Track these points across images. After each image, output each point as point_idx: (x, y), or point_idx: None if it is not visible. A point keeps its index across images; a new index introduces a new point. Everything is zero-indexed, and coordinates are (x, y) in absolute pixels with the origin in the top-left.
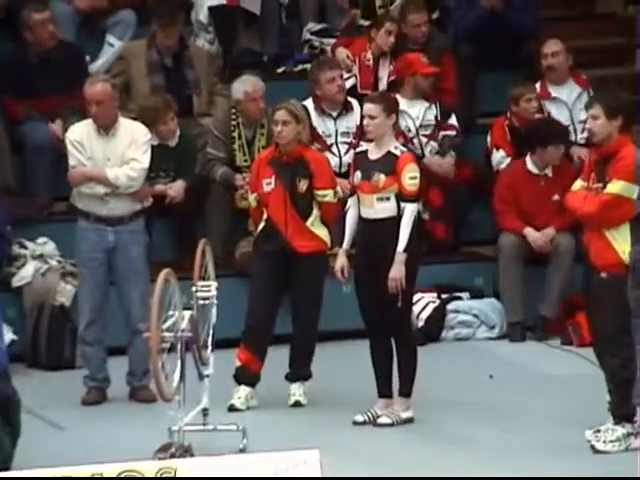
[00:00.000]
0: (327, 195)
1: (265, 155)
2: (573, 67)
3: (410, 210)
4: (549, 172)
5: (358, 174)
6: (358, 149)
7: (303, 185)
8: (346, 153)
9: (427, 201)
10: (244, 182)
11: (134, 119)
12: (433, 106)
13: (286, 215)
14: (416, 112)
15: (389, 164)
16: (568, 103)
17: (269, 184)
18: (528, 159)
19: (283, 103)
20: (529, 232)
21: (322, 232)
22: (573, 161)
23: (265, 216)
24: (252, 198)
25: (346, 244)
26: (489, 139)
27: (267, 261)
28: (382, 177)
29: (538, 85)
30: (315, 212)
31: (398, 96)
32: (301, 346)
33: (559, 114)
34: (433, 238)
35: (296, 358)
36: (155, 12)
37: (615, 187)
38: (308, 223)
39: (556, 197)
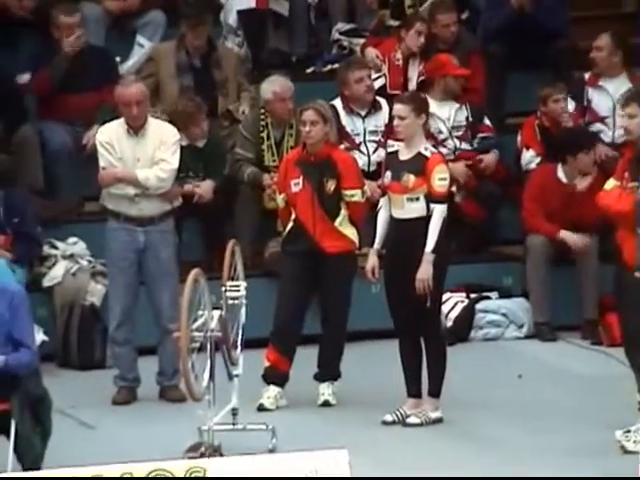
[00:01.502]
0: (355, 195)
1: (292, 155)
2: (628, 64)
3: (439, 211)
4: (579, 183)
5: (388, 174)
6: (389, 149)
7: (331, 185)
8: (374, 152)
9: (460, 185)
10: (272, 182)
11: (168, 122)
12: (463, 107)
13: (314, 215)
14: (446, 114)
15: (419, 165)
16: (614, 96)
17: (297, 184)
18: (560, 168)
19: (310, 103)
20: (567, 235)
21: (350, 232)
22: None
23: (293, 216)
24: (280, 199)
25: (377, 244)
26: (519, 139)
27: (296, 261)
28: (412, 178)
29: (588, 74)
30: (343, 212)
31: (427, 97)
32: (330, 346)
33: (600, 102)
34: (465, 217)
35: (325, 358)
36: (183, 13)
37: None
38: (336, 223)
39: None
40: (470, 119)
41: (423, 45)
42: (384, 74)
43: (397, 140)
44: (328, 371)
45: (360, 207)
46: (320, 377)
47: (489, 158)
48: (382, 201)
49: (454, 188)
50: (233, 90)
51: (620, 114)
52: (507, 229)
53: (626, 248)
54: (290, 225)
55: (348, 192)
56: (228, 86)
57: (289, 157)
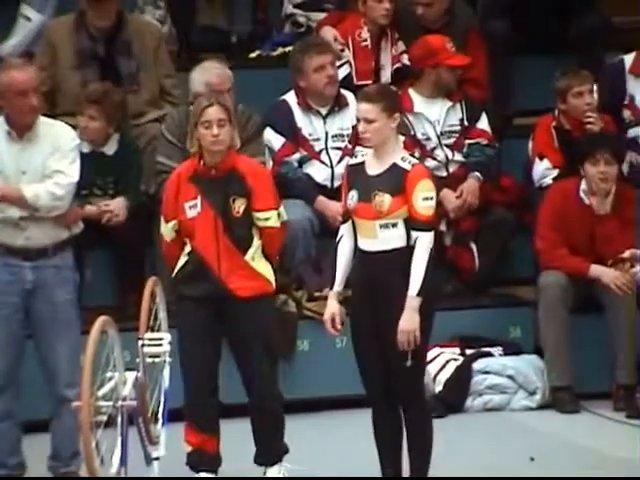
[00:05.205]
0: (270, 218)
1: (185, 169)
2: None
3: (425, 241)
4: (596, 204)
5: (354, 194)
6: (352, 161)
7: (239, 206)
8: (339, 162)
9: (452, 223)
10: None
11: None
12: (457, 106)
13: (218, 247)
14: (436, 115)
15: (396, 180)
16: None
17: (193, 207)
18: (582, 183)
19: (211, 97)
20: (601, 272)
21: (265, 268)
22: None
23: (188, 249)
24: (169, 228)
25: (338, 285)
26: (530, 145)
27: (195, 311)
28: (387, 198)
29: (631, 57)
30: (256, 242)
31: (412, 92)
32: (264, 421)
33: None
34: (456, 269)
35: (262, 436)
36: None
37: None
38: (247, 257)
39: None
40: (465, 122)
41: (391, 15)
42: (348, 61)
43: (367, 147)
44: (271, 451)
45: (277, 233)
46: (262, 461)
47: (468, 187)
48: (342, 229)
49: (443, 227)
50: (152, 82)
51: None
52: (515, 265)
53: None
54: (183, 261)
55: (262, 215)
56: (140, 79)
57: (180, 172)
